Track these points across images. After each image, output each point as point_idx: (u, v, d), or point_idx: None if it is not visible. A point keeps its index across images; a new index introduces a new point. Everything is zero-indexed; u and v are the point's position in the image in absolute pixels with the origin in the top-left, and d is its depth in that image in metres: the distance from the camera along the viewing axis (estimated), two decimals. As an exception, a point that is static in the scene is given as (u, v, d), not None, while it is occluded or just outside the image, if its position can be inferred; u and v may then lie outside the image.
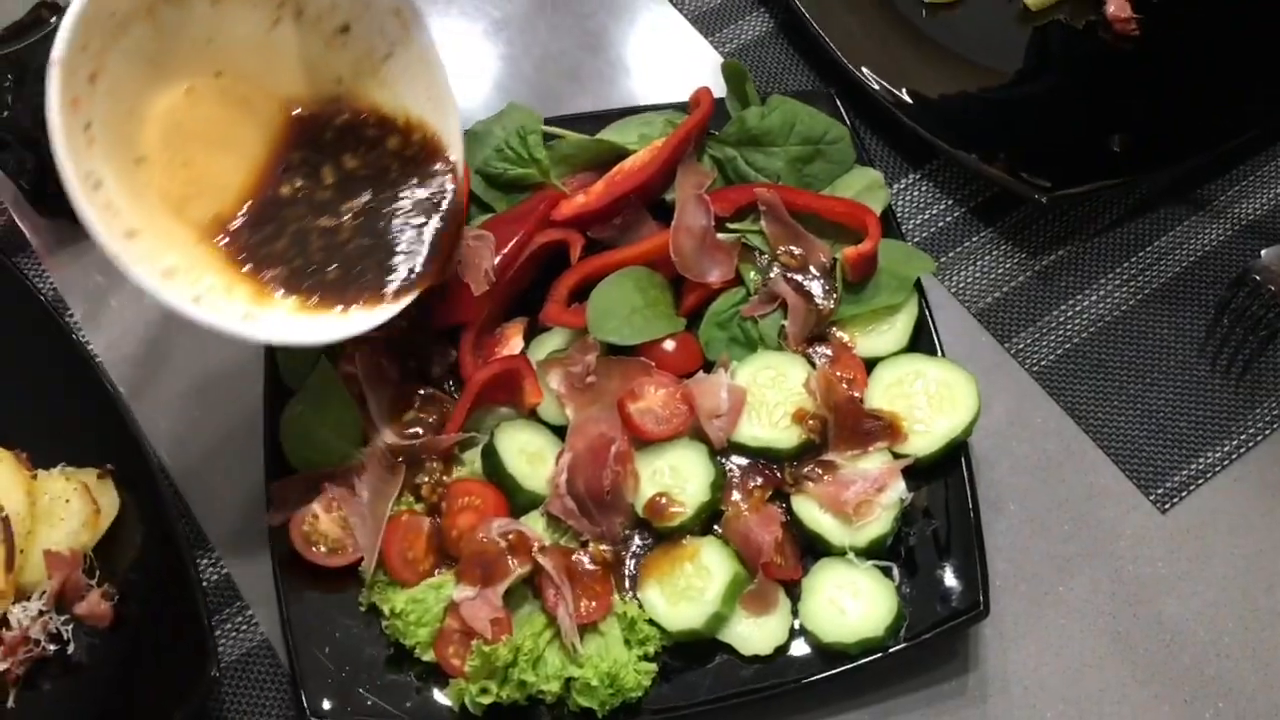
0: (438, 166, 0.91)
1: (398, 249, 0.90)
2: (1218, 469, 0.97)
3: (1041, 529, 0.95)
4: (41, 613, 0.89)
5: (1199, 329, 1.03)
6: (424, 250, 0.89)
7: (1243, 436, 0.98)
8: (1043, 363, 1.02)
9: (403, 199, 0.91)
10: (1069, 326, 1.03)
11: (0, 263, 1.04)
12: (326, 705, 0.85)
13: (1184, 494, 0.96)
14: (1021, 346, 1.03)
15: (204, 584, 0.94)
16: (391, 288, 0.88)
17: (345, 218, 0.89)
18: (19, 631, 0.88)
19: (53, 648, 0.89)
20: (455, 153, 0.91)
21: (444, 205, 0.90)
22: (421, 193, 0.91)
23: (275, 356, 0.97)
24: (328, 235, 0.89)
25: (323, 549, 0.91)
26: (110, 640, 0.90)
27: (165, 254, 0.81)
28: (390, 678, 0.87)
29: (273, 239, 0.88)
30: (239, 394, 1.01)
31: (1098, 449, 0.98)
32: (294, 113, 0.90)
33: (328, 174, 0.90)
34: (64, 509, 0.92)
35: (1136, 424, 0.99)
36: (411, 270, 0.89)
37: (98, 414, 0.97)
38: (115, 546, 0.93)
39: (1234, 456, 0.97)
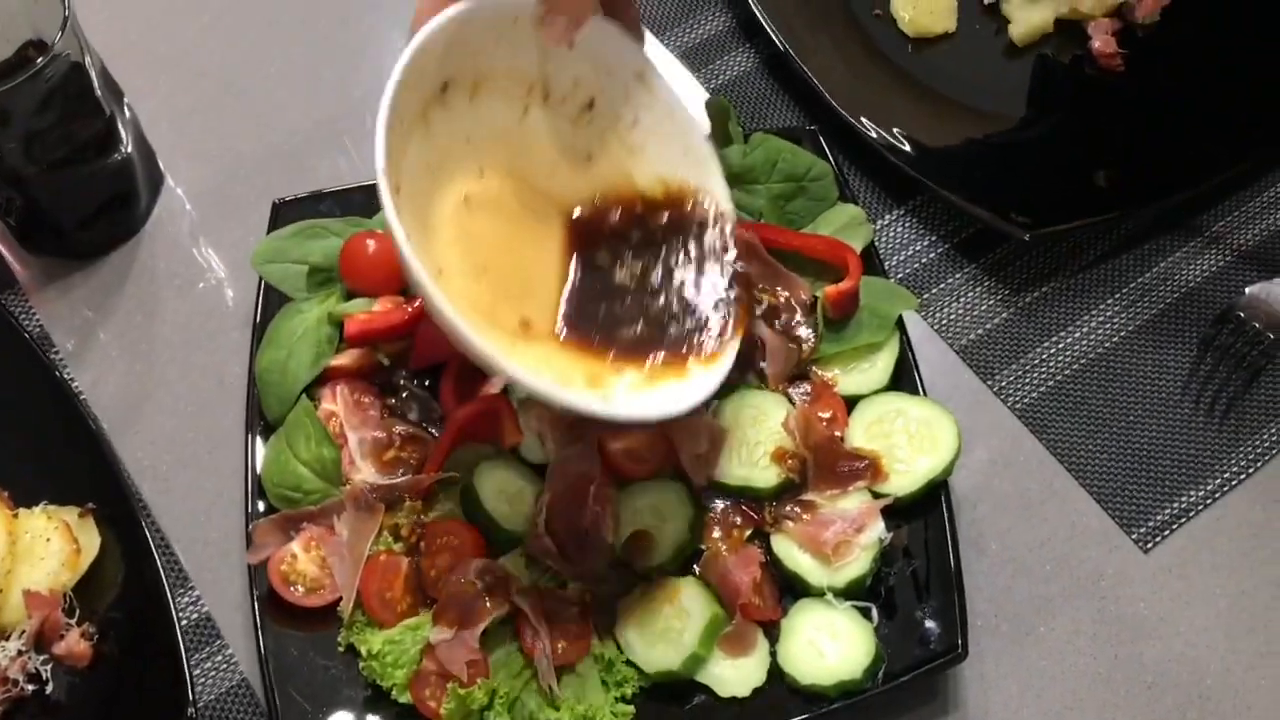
0: (712, 218, 0.88)
1: (705, 306, 0.87)
2: (1200, 508, 0.96)
3: (1023, 569, 0.95)
4: (20, 652, 0.89)
5: (1183, 366, 1.02)
6: (728, 299, 0.87)
7: (1225, 475, 0.97)
8: (1025, 400, 1.02)
9: (693, 258, 0.88)
10: (1052, 364, 1.03)
11: (-15, 300, 1.05)
12: (302, 747, 0.85)
13: (1166, 533, 0.95)
14: (1004, 384, 1.03)
15: (184, 623, 0.94)
16: (712, 342, 0.86)
17: (649, 291, 0.87)
18: (-3, 671, 0.89)
19: (31, 688, 0.89)
20: (725, 203, 0.88)
21: (729, 252, 0.88)
22: (708, 246, 0.88)
23: (257, 394, 0.98)
24: (639, 310, 0.86)
25: (301, 589, 0.91)
26: (89, 680, 0.90)
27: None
28: (366, 719, 0.87)
29: (588, 327, 0.85)
30: (221, 433, 1.02)
31: (1080, 488, 0.98)
32: (573, 216, 0.88)
33: (620, 259, 0.88)
34: (44, 548, 0.92)
35: (1119, 462, 0.98)
36: (725, 320, 0.86)
37: (80, 452, 0.98)
38: (95, 585, 0.93)
39: (1216, 496, 0.97)
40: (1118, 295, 1.06)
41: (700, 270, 0.87)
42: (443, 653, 0.86)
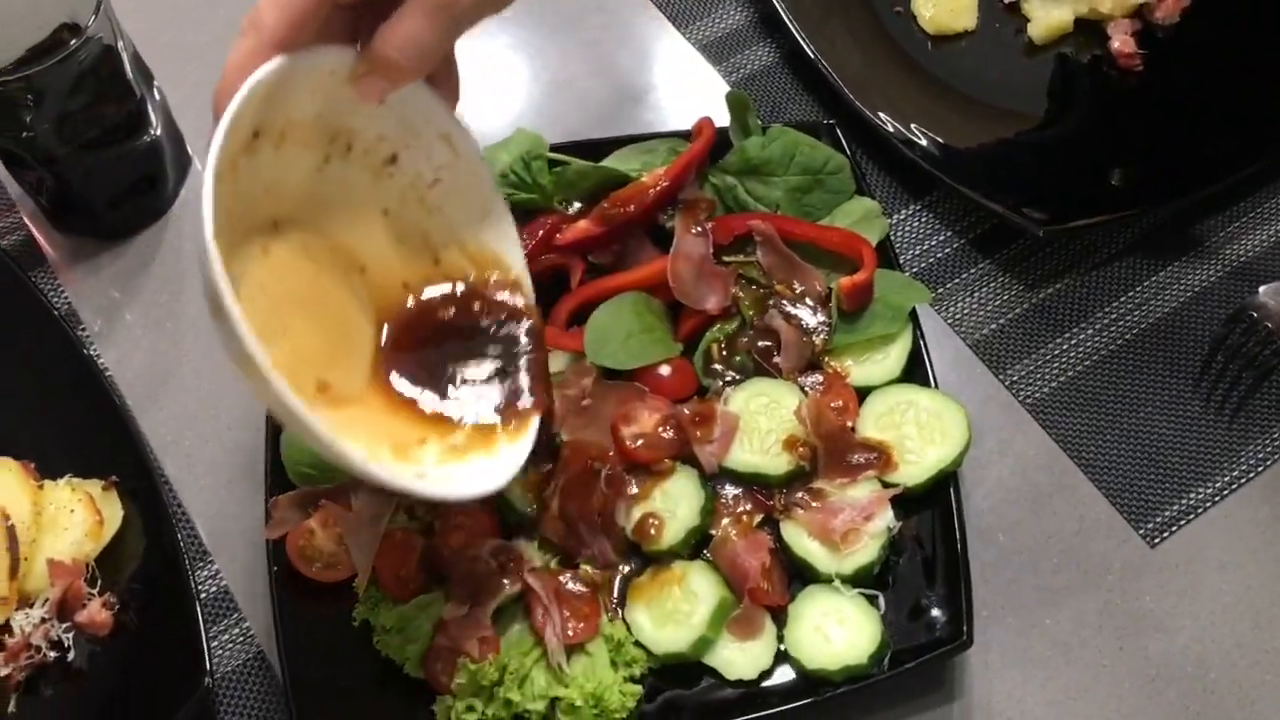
0: (506, 289, 0.85)
1: (506, 377, 0.83)
2: (1208, 505, 0.97)
3: (1030, 561, 0.96)
4: (43, 620, 0.92)
5: (1194, 365, 1.03)
6: (525, 378, 0.83)
7: (1234, 473, 0.98)
8: (1037, 395, 1.02)
9: (490, 326, 0.84)
10: (1064, 359, 1.04)
11: (16, 277, 1.07)
12: (315, 717, 0.87)
13: (1174, 529, 0.96)
14: (1016, 378, 1.03)
15: (202, 596, 0.96)
16: (515, 413, 0.82)
17: (452, 359, 0.83)
18: (21, 638, 0.91)
19: (53, 654, 0.91)
20: (521, 270, 0.86)
21: (525, 321, 0.85)
22: (504, 314, 0.85)
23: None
24: (442, 378, 0.83)
25: (318, 564, 0.92)
26: (109, 648, 0.92)
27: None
28: (380, 693, 0.89)
29: (391, 394, 0.81)
30: (242, 411, 1.04)
31: (1089, 482, 0.98)
32: (369, 275, 0.84)
33: (424, 323, 0.84)
34: (68, 519, 0.94)
35: (1129, 458, 0.99)
36: (525, 390, 0.83)
37: (105, 427, 1.00)
38: (117, 557, 0.95)
39: (1225, 493, 0.97)
40: (1131, 293, 1.07)
41: (498, 339, 0.84)
42: (455, 629, 0.88)
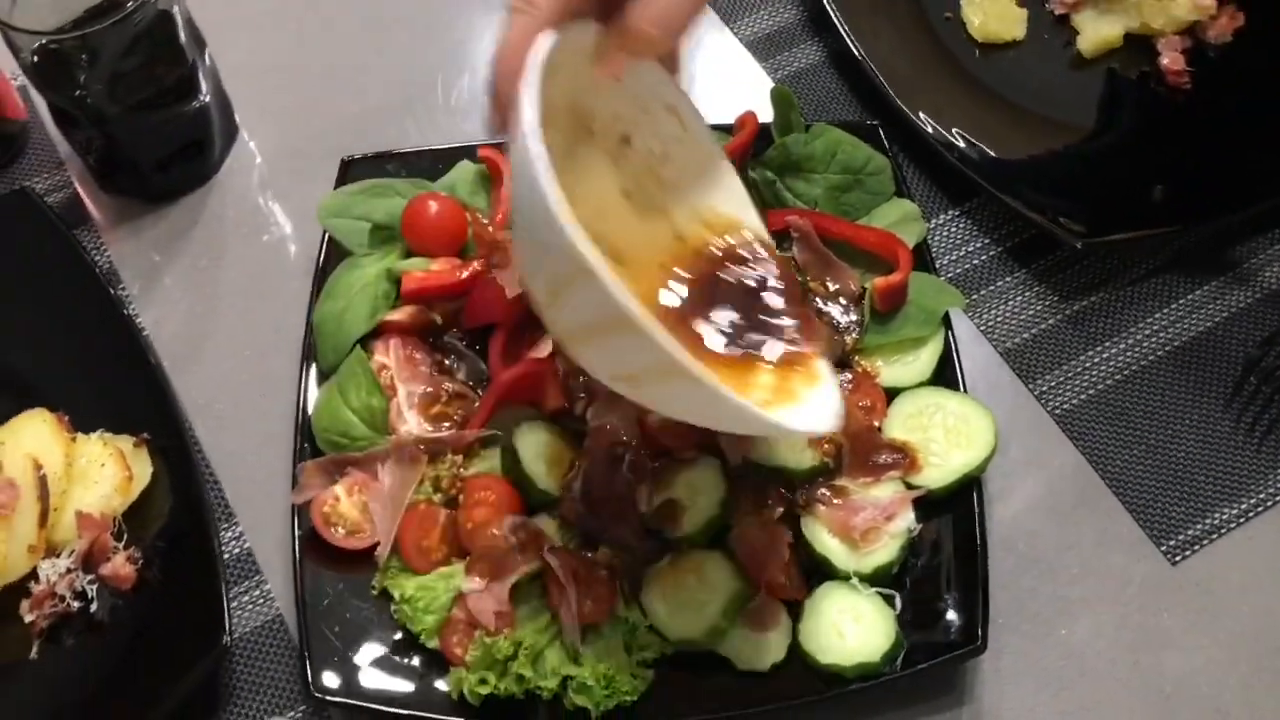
0: (753, 247, 0.85)
1: (776, 331, 0.82)
2: (1233, 525, 0.96)
3: (1049, 570, 0.95)
4: (69, 570, 0.93)
5: (1226, 385, 1.02)
6: (794, 324, 0.83)
7: (1261, 495, 0.97)
8: (1065, 406, 1.02)
9: (753, 286, 0.84)
10: (1095, 373, 1.04)
11: (60, 234, 1.08)
12: (330, 683, 0.88)
13: (1196, 548, 0.96)
14: (1045, 389, 1.03)
15: (225, 556, 0.97)
16: (798, 365, 0.81)
17: (729, 322, 0.81)
18: (46, 586, 0.92)
19: (76, 604, 0.92)
20: (755, 225, 0.86)
21: (777, 276, 0.84)
22: (760, 273, 0.84)
23: (313, 342, 1.01)
24: (738, 328, 0.81)
25: (341, 531, 0.93)
26: (131, 602, 0.93)
27: None
28: (395, 662, 0.90)
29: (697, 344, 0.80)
30: (275, 377, 1.05)
31: (1113, 496, 0.98)
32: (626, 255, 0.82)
33: (694, 287, 0.82)
34: (99, 473, 0.96)
35: (1154, 475, 0.99)
36: (798, 344, 0.82)
37: (140, 385, 1.01)
38: (144, 513, 0.97)
39: (1250, 515, 0.97)
40: (1166, 310, 1.06)
41: (760, 295, 0.83)
42: (472, 602, 0.88)
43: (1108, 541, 0.96)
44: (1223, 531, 0.96)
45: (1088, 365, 1.04)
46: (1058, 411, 1.02)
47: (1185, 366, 1.04)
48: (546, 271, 0.71)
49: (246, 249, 1.13)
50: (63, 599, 0.92)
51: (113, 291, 1.06)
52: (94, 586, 0.93)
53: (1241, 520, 0.97)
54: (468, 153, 1.10)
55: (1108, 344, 1.05)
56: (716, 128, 1.08)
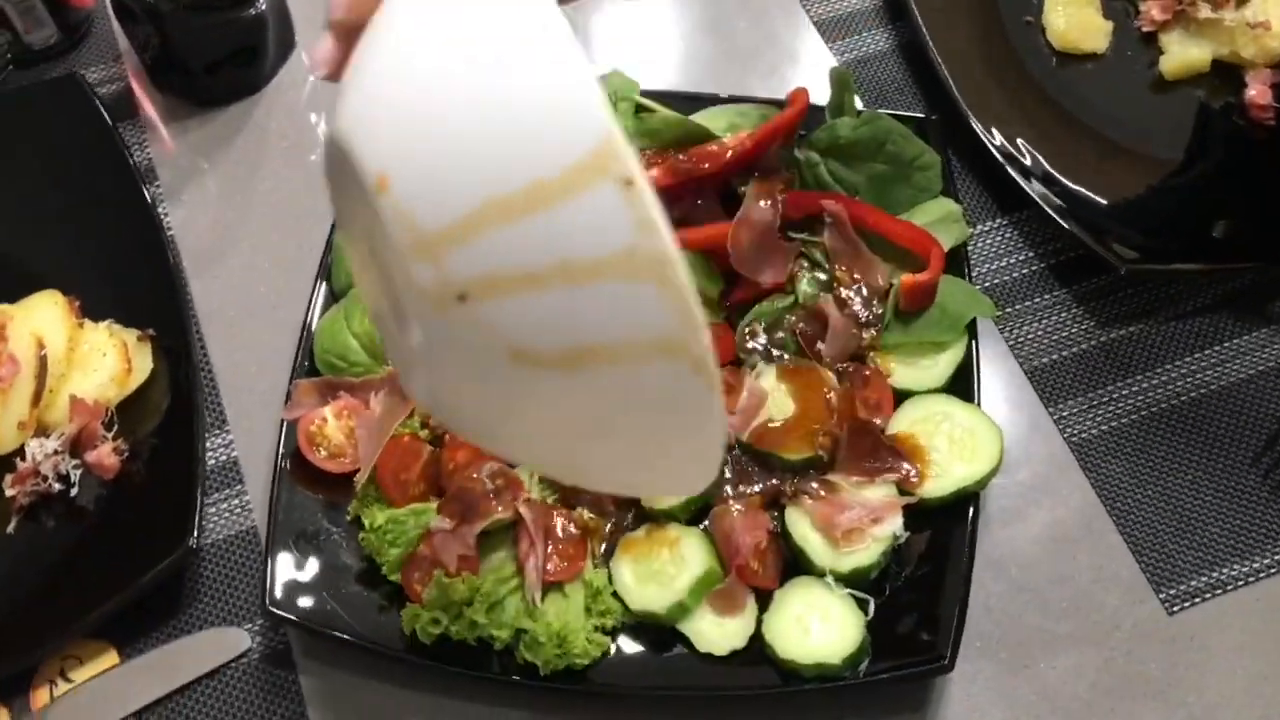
0: None
1: None
2: (1240, 583, 0.91)
3: (1039, 601, 0.91)
4: (56, 452, 0.94)
5: (1257, 440, 0.97)
6: None
7: (1276, 557, 0.92)
8: (1083, 435, 0.98)
9: None
10: (1120, 405, 0.99)
11: (104, 124, 1.09)
12: (287, 600, 0.87)
13: (1197, 600, 0.91)
14: (1066, 414, 0.99)
15: (211, 462, 0.97)
16: None
17: None
18: (31, 464, 0.93)
19: (58, 487, 0.93)
20: None
21: None
22: None
23: (330, 262, 1.00)
24: None
25: (323, 452, 0.93)
26: (110, 492, 0.94)
27: None
28: (356, 590, 0.89)
29: None
30: (290, 293, 1.04)
31: (1118, 533, 0.94)
32: None
33: None
34: (99, 361, 0.96)
35: (1164, 519, 0.94)
36: None
37: (155, 282, 1.02)
38: (138, 408, 0.97)
39: (1261, 575, 0.92)
40: (1206, 351, 1.01)
41: None
42: (438, 541, 0.87)
43: (1104, 580, 0.92)
44: (1228, 588, 0.91)
45: (1114, 396, 1.00)
46: (1074, 439, 0.98)
47: (1216, 413, 0.98)
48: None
49: (284, 164, 1.13)
50: (45, 479, 0.93)
51: (145, 187, 1.06)
52: (78, 472, 0.94)
53: (1250, 579, 0.92)
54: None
55: (1139, 378, 1.00)
56: (768, 101, 1.07)
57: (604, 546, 0.90)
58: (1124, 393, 1.00)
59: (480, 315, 0.51)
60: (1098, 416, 0.99)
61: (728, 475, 0.91)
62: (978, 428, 0.91)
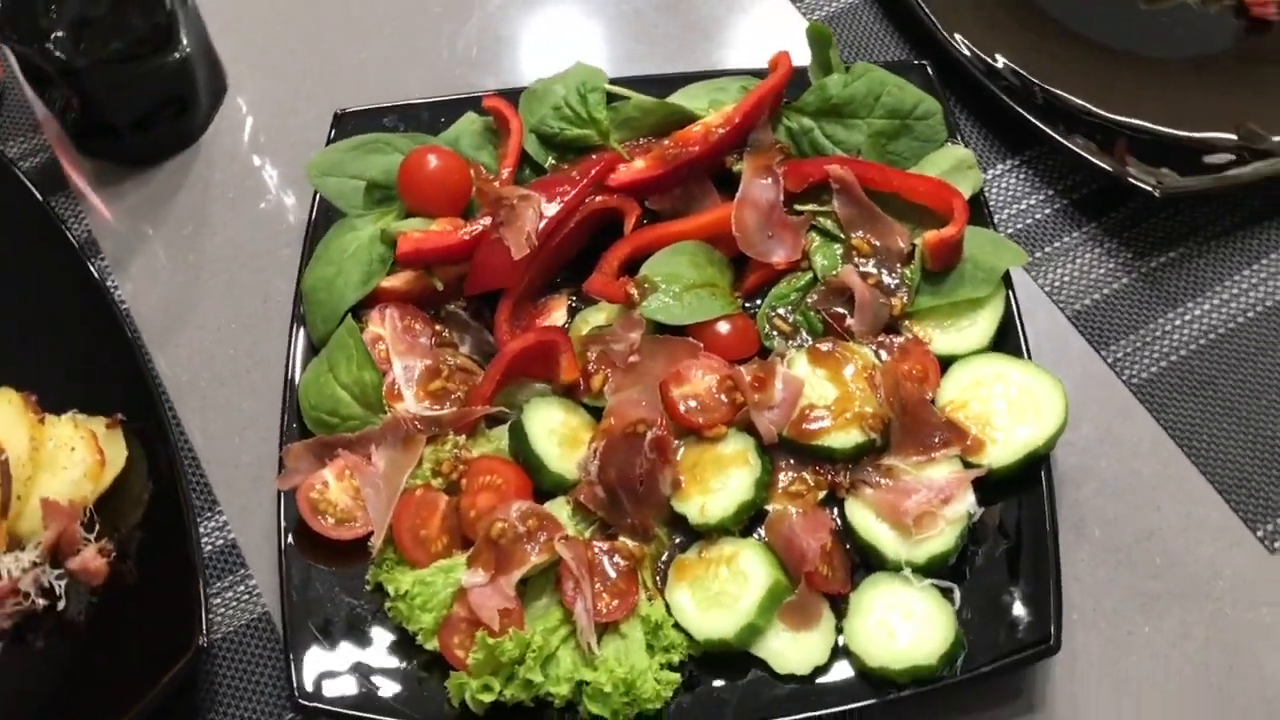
0: None
1: None
2: (1339, 508, 0.85)
3: (1128, 560, 0.85)
4: (34, 564, 0.85)
5: (1327, 349, 0.91)
6: None
7: (1372, 471, 0.86)
8: (1143, 375, 0.91)
9: None
10: (1176, 337, 0.93)
11: (34, 201, 1.00)
12: (317, 689, 0.79)
13: (1298, 533, 0.85)
14: (1120, 356, 0.92)
15: (208, 549, 0.89)
16: None
17: None
18: (9, 582, 0.84)
19: (43, 602, 0.85)
20: None
21: None
22: None
23: (302, 312, 0.91)
24: None
25: (330, 519, 0.84)
26: (103, 599, 0.85)
27: None
28: (390, 665, 0.81)
29: None
30: (263, 352, 0.96)
31: (1200, 475, 0.87)
32: None
33: None
34: (68, 457, 0.88)
35: (1247, 451, 0.88)
36: None
37: (115, 362, 0.93)
38: (118, 501, 0.89)
39: (1362, 493, 0.86)
40: (1255, 266, 0.95)
41: None
42: (475, 598, 0.79)
43: (1195, 527, 0.86)
44: (1327, 514, 0.85)
45: (1167, 329, 0.93)
46: (1134, 381, 0.91)
47: (1278, 328, 0.92)
48: None
49: (234, 215, 1.05)
50: (28, 596, 0.85)
51: (89, 262, 0.98)
52: (62, 583, 0.86)
53: (1349, 501, 0.85)
54: (472, 104, 1.00)
55: (1189, 305, 0.94)
56: (746, 72, 1.00)
57: (656, 575, 0.82)
58: (1176, 323, 0.93)
59: None
60: (1154, 353, 0.92)
61: (782, 476, 0.83)
62: (1035, 384, 0.84)
